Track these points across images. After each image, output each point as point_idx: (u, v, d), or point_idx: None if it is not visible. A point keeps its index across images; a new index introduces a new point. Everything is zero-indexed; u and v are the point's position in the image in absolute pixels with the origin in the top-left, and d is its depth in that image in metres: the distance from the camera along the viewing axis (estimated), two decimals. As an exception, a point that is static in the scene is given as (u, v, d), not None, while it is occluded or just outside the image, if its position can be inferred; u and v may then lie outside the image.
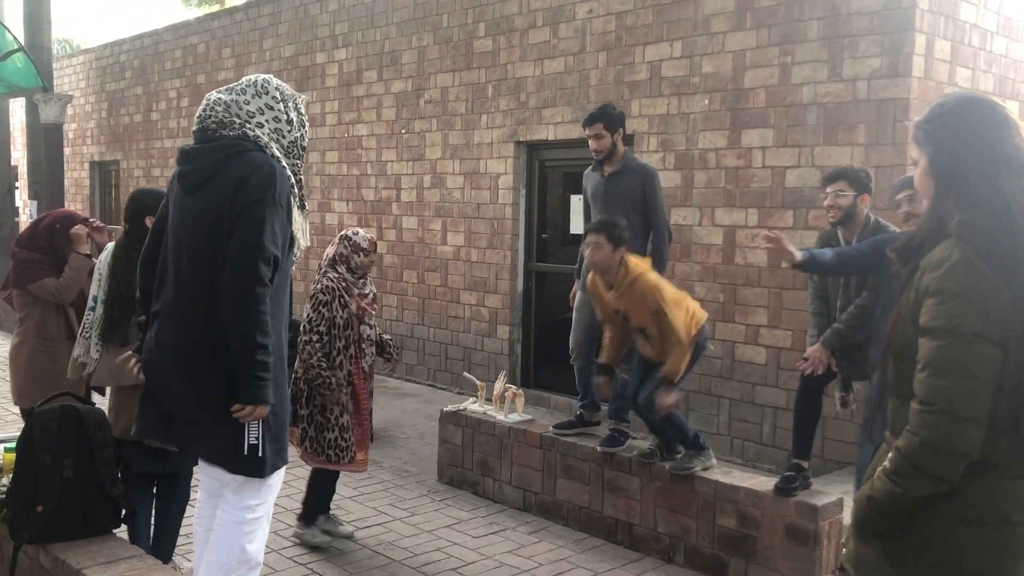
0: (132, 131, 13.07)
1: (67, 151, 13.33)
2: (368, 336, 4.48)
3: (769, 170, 5.99)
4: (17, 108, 14.68)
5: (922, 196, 2.10)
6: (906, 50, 5.40)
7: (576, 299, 5.16)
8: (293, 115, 2.94)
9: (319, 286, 4.35)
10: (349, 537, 4.61)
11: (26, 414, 4.73)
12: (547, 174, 7.82)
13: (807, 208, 5.77)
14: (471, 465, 5.51)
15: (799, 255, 3.80)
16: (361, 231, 4.53)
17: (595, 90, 7.00)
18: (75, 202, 14.41)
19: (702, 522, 4.45)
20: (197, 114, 2.93)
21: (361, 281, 4.47)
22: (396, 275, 8.89)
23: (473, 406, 5.65)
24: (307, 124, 3.05)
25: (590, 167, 5.17)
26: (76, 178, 14.45)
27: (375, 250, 4.59)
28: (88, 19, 42.47)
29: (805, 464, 4.34)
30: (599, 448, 4.81)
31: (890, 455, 1.95)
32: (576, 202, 7.35)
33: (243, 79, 2.98)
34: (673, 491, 4.58)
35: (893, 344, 2.05)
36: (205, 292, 2.77)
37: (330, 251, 4.47)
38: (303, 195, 2.96)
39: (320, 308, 4.29)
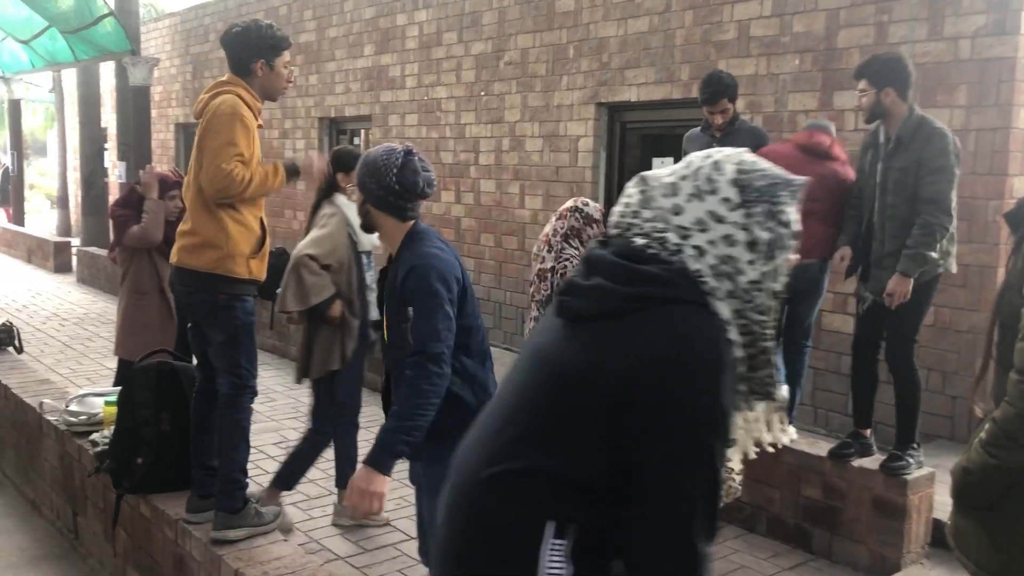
0: (216, 93, 13.28)
1: (153, 113, 13.65)
2: None
3: (862, 133, 5.78)
4: (106, 72, 15.10)
5: None
6: (1014, 6, 5.12)
7: None
8: (763, 233, 1.43)
9: (561, 264, 3.92)
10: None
11: (121, 365, 5.05)
12: (627, 136, 7.70)
13: (901, 173, 5.56)
14: (549, 429, 5.53)
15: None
16: (591, 202, 4.18)
17: (680, 50, 6.84)
18: (161, 163, 14.79)
19: (786, 492, 4.40)
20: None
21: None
22: (473, 239, 8.91)
23: (552, 370, 5.64)
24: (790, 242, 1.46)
25: (698, 128, 5.06)
26: (162, 140, 14.82)
27: (605, 220, 4.47)
28: (171, -17, 43.24)
29: (865, 432, 4.31)
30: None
31: (986, 426, 1.90)
32: (658, 165, 7.25)
33: (691, 157, 1.52)
34: (756, 460, 4.48)
35: (999, 313, 1.99)
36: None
37: (559, 225, 4.00)
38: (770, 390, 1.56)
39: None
